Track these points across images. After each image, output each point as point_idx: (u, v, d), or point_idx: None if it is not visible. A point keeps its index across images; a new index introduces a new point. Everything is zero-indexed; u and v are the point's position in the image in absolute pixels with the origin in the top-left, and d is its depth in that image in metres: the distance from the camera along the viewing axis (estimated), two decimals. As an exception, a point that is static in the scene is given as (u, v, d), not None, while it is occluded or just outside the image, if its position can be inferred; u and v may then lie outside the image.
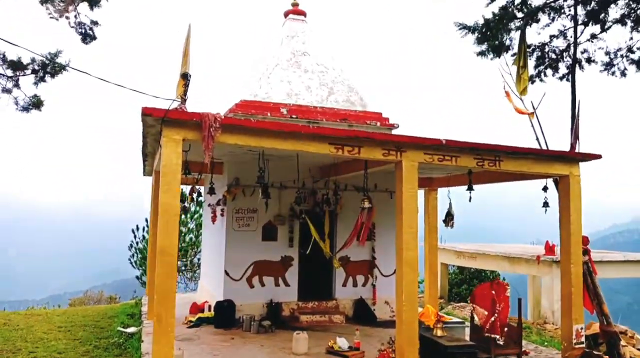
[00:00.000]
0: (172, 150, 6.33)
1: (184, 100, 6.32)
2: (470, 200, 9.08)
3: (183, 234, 22.97)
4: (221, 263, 10.89)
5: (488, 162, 8.12)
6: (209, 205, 11.77)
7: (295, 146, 6.92)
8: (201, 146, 6.32)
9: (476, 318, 8.46)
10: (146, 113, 6.09)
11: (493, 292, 8.11)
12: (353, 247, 11.35)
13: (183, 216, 22.58)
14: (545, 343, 11.03)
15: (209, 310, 11.13)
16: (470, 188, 9.16)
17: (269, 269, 10.98)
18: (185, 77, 6.38)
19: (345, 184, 11.72)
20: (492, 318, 7.92)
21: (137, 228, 20.47)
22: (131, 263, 20.93)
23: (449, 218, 11.73)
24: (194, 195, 11.98)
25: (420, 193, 13.83)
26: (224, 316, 10.15)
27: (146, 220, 19.48)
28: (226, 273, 10.68)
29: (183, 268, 24.15)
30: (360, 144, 7.27)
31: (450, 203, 11.97)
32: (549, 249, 15.39)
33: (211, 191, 9.05)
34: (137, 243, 20.46)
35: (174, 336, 6.21)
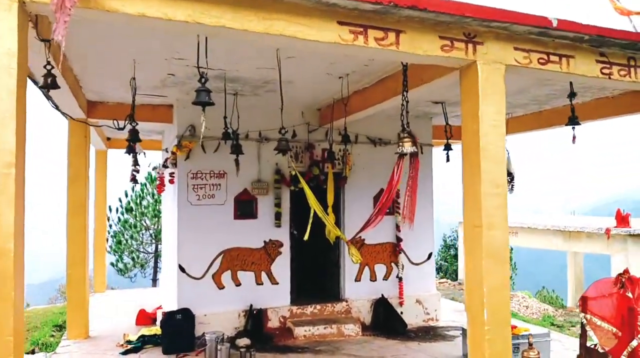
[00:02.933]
0: (-8, 24, 2.92)
1: None
2: (574, 141, 5.73)
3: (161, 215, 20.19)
4: (174, 254, 7.55)
5: (618, 69, 4.72)
6: (154, 168, 8.32)
7: (268, 26, 3.46)
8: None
9: (593, 336, 5.17)
10: None
11: (628, 294, 4.81)
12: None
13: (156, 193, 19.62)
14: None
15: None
16: (574, 122, 5.77)
17: (246, 261, 7.66)
18: None
19: (356, 134, 8.30)
20: (635, 344, 4.64)
21: (110, 209, 18.63)
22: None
23: (507, 178, 8.39)
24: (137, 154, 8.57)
25: (457, 147, 10.46)
26: (177, 335, 6.86)
27: (120, 200, 18.26)
28: (181, 268, 7.33)
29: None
30: (399, 24, 3.82)
31: (508, 158, 8.61)
32: (622, 220, 12.16)
33: (134, 137, 5.56)
34: (110, 226, 18.51)
35: None
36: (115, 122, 5.92)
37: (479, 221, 4.10)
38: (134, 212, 19.54)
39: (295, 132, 7.79)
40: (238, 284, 7.60)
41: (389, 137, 8.55)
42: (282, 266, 7.86)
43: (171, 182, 7.59)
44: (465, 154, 4.28)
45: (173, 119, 7.74)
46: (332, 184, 7.47)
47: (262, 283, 7.72)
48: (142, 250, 20.74)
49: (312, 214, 6.21)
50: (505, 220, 4.15)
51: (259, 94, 6.96)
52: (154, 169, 8.08)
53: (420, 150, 8.71)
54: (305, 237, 6.13)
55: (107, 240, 19.35)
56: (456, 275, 18.18)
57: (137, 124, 5.46)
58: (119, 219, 18.49)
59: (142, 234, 20.98)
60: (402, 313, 8.32)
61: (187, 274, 7.34)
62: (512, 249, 20.95)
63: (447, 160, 7.57)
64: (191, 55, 5.08)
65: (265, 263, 7.75)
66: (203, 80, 3.73)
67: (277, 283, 7.81)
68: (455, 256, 19.57)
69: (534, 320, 11.02)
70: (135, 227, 19.90)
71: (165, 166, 7.60)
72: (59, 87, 3.70)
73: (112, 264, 19.16)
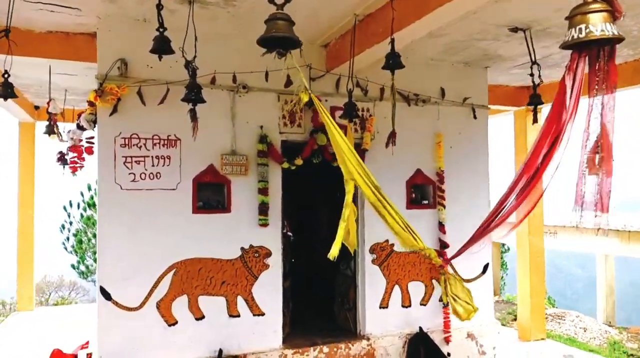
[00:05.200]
0: None
1: None
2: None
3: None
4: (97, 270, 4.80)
5: None
6: (68, 132, 5.53)
7: None
8: None
9: None
10: None
11: None
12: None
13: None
14: None
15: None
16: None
17: (213, 279, 4.93)
18: None
19: (381, 87, 5.61)
20: None
21: (71, 205, 16.44)
22: (65, 248, 17.13)
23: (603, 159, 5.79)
24: (53, 115, 5.92)
25: (505, 118, 7.87)
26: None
27: (81, 194, 15.60)
28: (103, 293, 4.57)
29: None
30: None
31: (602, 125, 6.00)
32: None
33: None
34: (70, 223, 16.33)
35: None
36: None
37: None
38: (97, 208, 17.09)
39: (291, 78, 5.06)
40: (200, 317, 4.86)
41: (430, 91, 5.90)
42: (269, 287, 5.14)
43: (89, 151, 4.82)
44: None
45: (98, 54, 4.95)
46: (346, 157, 4.74)
47: (237, 315, 5.00)
48: (106, 251, 18.31)
49: (349, 200, 3.43)
50: None
51: (232, 1, 4.24)
52: (68, 132, 5.26)
53: (473, 114, 6.11)
54: (333, 253, 3.29)
55: (68, 238, 17.16)
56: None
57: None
58: (81, 216, 16.17)
59: (107, 233, 18.67)
60: (449, 354, 5.68)
61: (115, 303, 4.58)
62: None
63: (535, 120, 4.95)
64: None
65: (244, 283, 5.03)
66: None
67: (262, 314, 5.09)
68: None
69: (601, 349, 8.48)
70: (99, 224, 17.50)
71: (80, 127, 4.80)
72: None
73: (72, 266, 17.12)
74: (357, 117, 4.71)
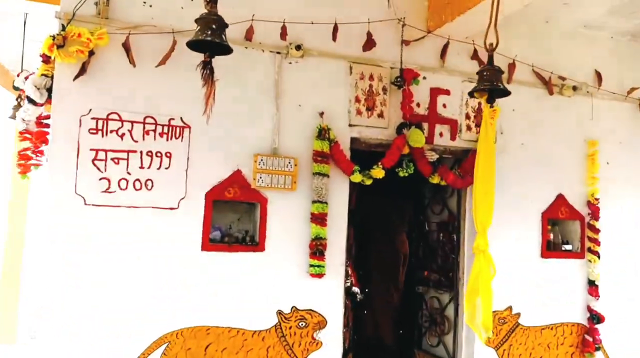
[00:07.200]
0: None
1: None
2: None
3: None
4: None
5: None
6: (12, 107, 3.79)
7: None
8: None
9: None
10: None
11: None
12: (515, 231, 3.54)
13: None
14: None
15: None
16: None
17: (229, 360, 3.01)
18: None
19: (513, 60, 3.63)
20: None
21: None
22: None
23: None
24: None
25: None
26: None
27: None
28: (41, 385, 2.71)
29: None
30: None
31: None
32: None
33: None
34: None
35: None
36: None
37: None
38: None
39: (373, 38, 3.17)
40: None
41: (580, 75, 3.91)
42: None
43: (41, 138, 3.04)
44: None
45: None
46: (489, 171, 2.76)
47: None
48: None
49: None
50: None
51: None
52: (13, 108, 3.51)
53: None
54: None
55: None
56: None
57: None
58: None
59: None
60: None
61: (61, 399, 2.72)
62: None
63: None
64: None
65: (280, 371, 3.10)
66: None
67: None
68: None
69: None
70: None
71: (32, 101, 3.02)
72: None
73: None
74: (506, 95, 2.72)
